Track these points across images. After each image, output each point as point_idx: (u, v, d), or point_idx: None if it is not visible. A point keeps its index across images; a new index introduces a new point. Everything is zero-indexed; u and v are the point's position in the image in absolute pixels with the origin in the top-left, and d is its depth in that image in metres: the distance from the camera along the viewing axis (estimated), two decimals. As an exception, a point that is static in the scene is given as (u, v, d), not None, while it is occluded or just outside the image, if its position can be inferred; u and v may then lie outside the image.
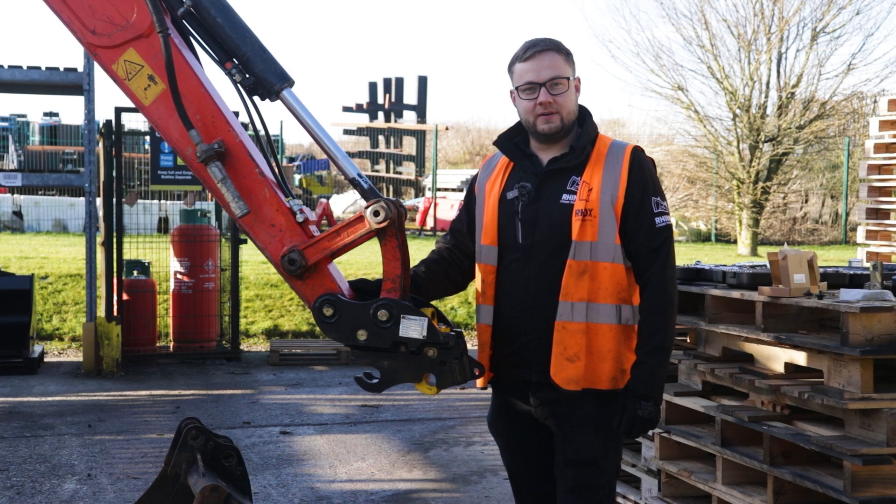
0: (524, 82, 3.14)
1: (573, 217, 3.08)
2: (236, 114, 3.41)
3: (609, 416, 3.14)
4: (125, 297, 9.51)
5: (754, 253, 20.04)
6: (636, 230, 3.10)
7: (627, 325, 3.13)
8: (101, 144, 9.53)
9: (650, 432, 4.47)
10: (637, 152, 3.16)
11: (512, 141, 3.27)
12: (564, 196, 3.12)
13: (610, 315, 3.08)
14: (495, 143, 3.29)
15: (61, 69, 9.22)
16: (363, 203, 3.01)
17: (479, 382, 3.20)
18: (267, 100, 3.16)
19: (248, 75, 3.11)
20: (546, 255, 3.12)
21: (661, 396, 3.11)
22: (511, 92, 3.23)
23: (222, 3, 3.11)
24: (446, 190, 26.08)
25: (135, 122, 9.63)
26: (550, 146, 3.20)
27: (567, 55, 3.17)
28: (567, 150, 3.17)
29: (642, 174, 3.12)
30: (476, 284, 3.28)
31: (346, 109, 39.18)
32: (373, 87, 38.61)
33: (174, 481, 3.32)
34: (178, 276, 9.92)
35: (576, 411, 3.12)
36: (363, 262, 12.96)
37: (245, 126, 3.32)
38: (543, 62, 3.12)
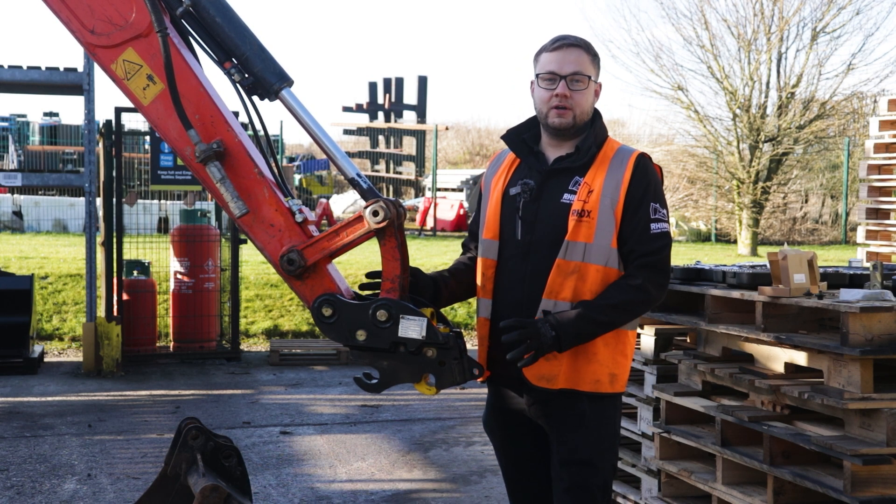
0: (546, 71, 3.13)
1: (570, 216, 3.07)
2: (236, 114, 3.40)
3: (603, 416, 3.12)
4: (125, 297, 9.51)
5: (754, 253, 20.04)
6: (630, 234, 3.07)
7: (620, 330, 3.10)
8: (101, 144, 9.53)
9: (650, 431, 4.47)
10: (643, 158, 3.14)
11: (520, 137, 3.26)
12: (565, 196, 3.11)
13: None
14: (503, 138, 3.29)
15: (61, 69, 9.21)
16: (363, 203, 3.01)
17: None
18: (266, 100, 3.16)
19: (247, 75, 3.10)
20: (543, 253, 3.10)
21: (566, 342, 2.98)
22: (531, 82, 3.22)
23: (221, 2, 3.11)
24: (446, 190, 26.08)
25: (135, 122, 9.64)
26: (560, 144, 3.18)
27: (594, 57, 3.17)
28: (573, 149, 3.17)
29: (644, 179, 3.09)
30: (477, 278, 3.29)
31: (346, 109, 39.19)
32: (373, 87, 38.61)
33: (174, 481, 3.32)
34: (178, 276, 9.92)
35: (569, 411, 3.11)
36: (363, 262, 12.95)
37: (244, 126, 3.32)
38: (569, 56, 3.12)
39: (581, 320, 3.00)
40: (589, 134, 3.16)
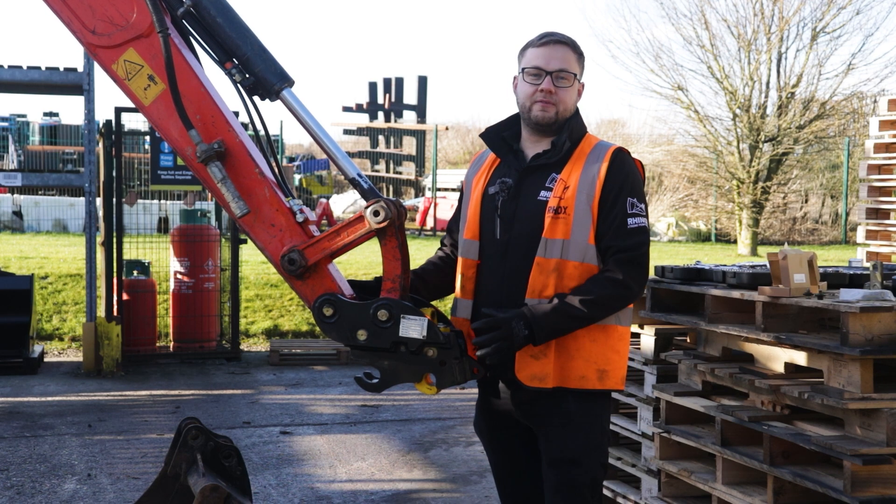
0: (532, 66, 3.14)
1: (546, 214, 3.07)
2: (236, 114, 3.41)
3: (590, 414, 3.12)
4: (125, 297, 9.51)
5: (754, 253, 20.04)
6: (606, 229, 3.06)
7: (608, 325, 3.10)
8: (101, 144, 9.53)
9: (650, 431, 4.47)
10: (619, 153, 3.12)
11: (500, 135, 3.26)
12: (542, 193, 3.11)
13: None
14: (482, 136, 3.28)
15: (61, 69, 9.21)
16: (363, 203, 3.02)
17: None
18: (267, 100, 3.17)
19: (247, 75, 3.11)
20: (521, 251, 3.10)
21: (540, 337, 2.98)
22: (514, 77, 3.23)
23: (222, 2, 3.11)
24: (446, 190, 26.06)
25: (135, 122, 9.64)
26: (539, 140, 3.19)
27: (580, 56, 3.19)
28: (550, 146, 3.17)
29: (621, 174, 3.08)
30: (457, 278, 3.28)
31: (346, 109, 39.16)
32: (373, 87, 38.59)
33: (174, 481, 3.32)
34: (178, 276, 9.92)
35: (556, 409, 3.10)
36: (363, 262, 12.95)
37: (245, 126, 3.32)
38: (556, 52, 3.13)
39: (556, 314, 2.99)
40: (564, 131, 3.15)
